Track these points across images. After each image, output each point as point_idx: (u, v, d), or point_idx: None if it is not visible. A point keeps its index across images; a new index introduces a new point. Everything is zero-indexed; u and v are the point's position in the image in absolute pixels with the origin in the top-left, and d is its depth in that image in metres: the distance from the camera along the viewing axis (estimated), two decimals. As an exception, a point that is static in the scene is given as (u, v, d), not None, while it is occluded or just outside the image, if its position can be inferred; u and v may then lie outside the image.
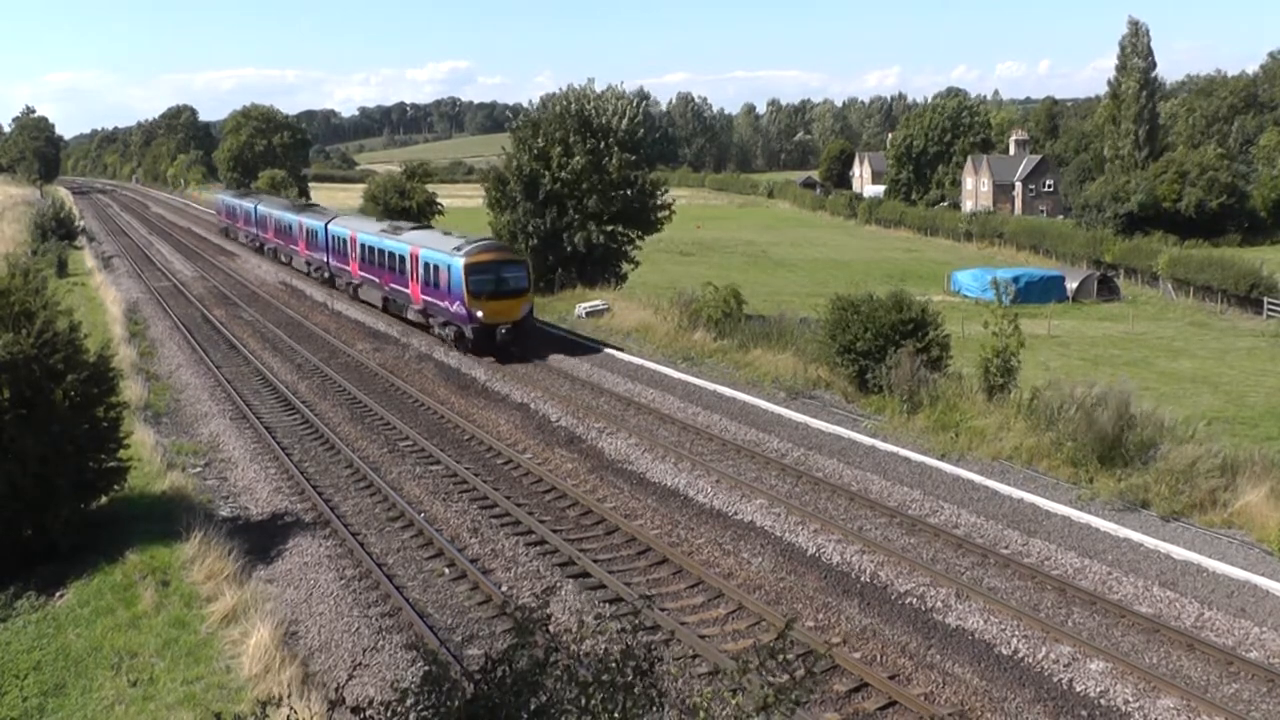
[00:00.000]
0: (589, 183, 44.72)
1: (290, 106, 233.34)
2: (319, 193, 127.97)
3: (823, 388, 32.00)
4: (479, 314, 35.78)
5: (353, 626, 17.34)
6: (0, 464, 19.34)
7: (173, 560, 19.58)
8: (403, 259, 41.46)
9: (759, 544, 20.71)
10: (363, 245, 46.58)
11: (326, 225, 52.73)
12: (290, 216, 61.47)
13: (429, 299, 39.16)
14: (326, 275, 54.12)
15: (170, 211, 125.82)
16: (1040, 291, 65.48)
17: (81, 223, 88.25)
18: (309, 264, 57.81)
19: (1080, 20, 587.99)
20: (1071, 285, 67.74)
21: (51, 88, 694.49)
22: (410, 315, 41.93)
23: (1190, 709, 14.54)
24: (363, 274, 47.17)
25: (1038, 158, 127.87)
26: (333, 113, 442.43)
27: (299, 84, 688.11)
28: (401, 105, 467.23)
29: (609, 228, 46.54)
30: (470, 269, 35.94)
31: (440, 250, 38.28)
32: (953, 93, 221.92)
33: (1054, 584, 18.53)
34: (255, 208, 72.39)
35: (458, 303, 36.37)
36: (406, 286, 41.35)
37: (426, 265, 38.85)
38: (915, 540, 20.68)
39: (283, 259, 64.64)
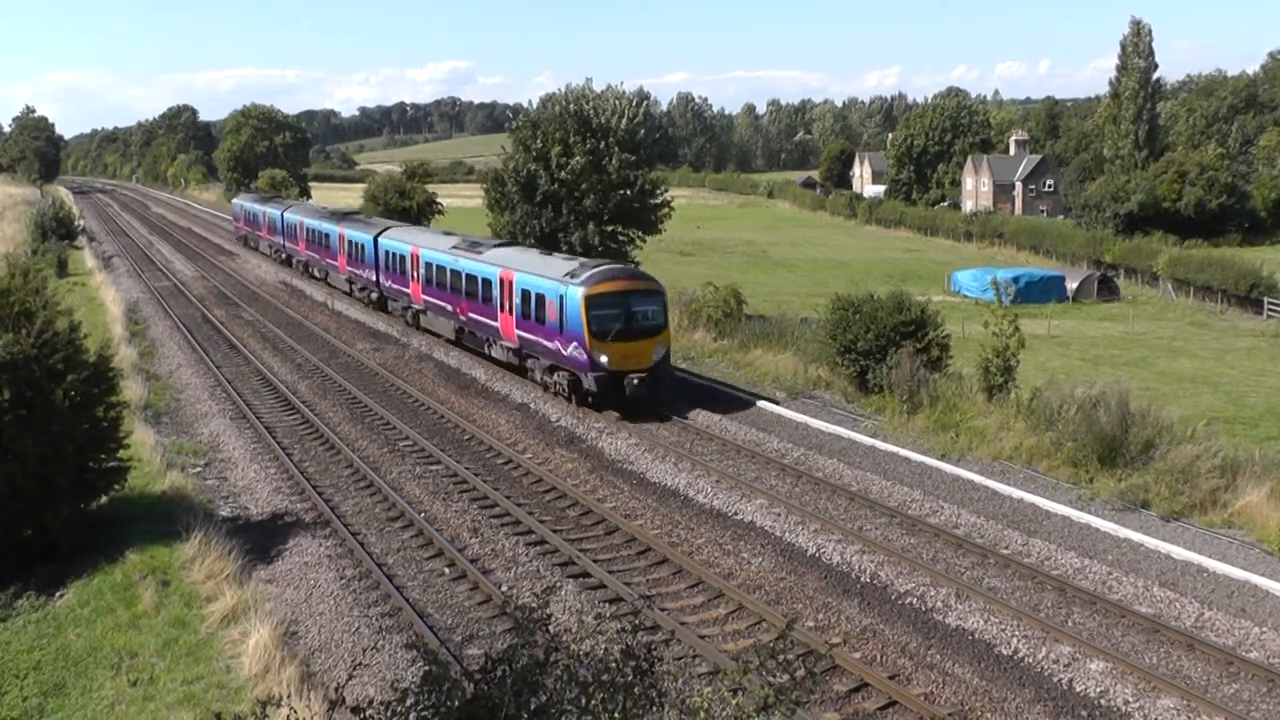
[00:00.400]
0: (588, 183, 44.69)
1: (290, 106, 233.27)
2: (319, 192, 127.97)
3: (823, 388, 32.01)
4: (603, 359, 28.46)
5: (353, 626, 17.35)
6: (0, 464, 19.35)
7: (173, 560, 19.59)
8: (488, 284, 33.97)
9: (759, 544, 20.71)
10: (428, 264, 39.34)
11: (377, 238, 45.48)
12: (328, 226, 53.70)
13: (528, 336, 31.64)
14: (375, 297, 46.75)
15: (171, 211, 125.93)
16: (1040, 291, 65.43)
17: (81, 222, 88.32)
18: (351, 283, 50.28)
19: (1080, 20, 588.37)
20: (1071, 285, 67.70)
21: (51, 88, 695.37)
22: (496, 354, 34.43)
23: (1190, 709, 14.54)
24: (429, 299, 39.70)
25: (1038, 158, 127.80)
26: (333, 113, 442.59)
27: (299, 84, 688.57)
28: (401, 105, 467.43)
29: (609, 228, 46.52)
30: (593, 301, 28.62)
31: (546, 276, 30.82)
32: (953, 93, 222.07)
33: (1054, 584, 18.53)
34: (282, 215, 63.87)
35: (574, 344, 28.95)
36: (494, 319, 33.83)
37: (525, 294, 31.38)
38: (915, 540, 20.69)
39: (316, 274, 57.23)
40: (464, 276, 35.98)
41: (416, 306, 41.18)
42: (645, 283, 30.61)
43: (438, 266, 38.51)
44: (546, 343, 30.44)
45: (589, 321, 28.53)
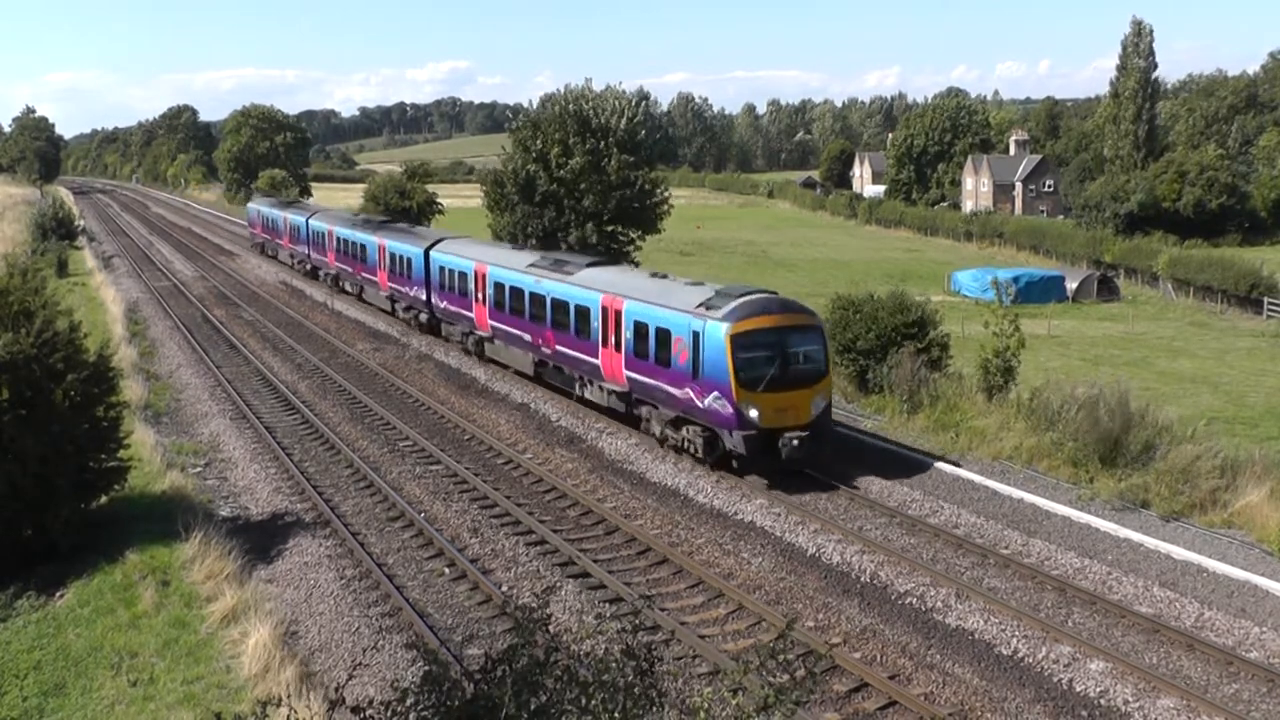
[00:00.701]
0: (587, 182, 44.72)
1: (290, 106, 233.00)
2: (319, 192, 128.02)
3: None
4: (753, 414, 22.97)
5: (353, 626, 17.36)
6: (0, 464, 19.36)
7: (173, 560, 19.59)
8: (585, 312, 28.41)
9: (759, 544, 20.72)
10: (499, 285, 33.57)
11: (428, 251, 39.79)
12: (364, 236, 47.88)
13: (644, 380, 26.01)
14: (425, 319, 41.08)
15: (170, 212, 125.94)
16: (1040, 291, 65.45)
17: (81, 222, 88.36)
18: (394, 301, 44.64)
19: (1080, 20, 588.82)
20: (1071, 285, 67.73)
21: (51, 88, 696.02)
22: (593, 396, 28.98)
23: (1190, 709, 14.54)
24: (498, 326, 33.90)
25: (1038, 158, 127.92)
26: (333, 113, 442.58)
27: (299, 84, 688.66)
28: (401, 105, 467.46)
29: (609, 228, 46.58)
30: (741, 340, 23.14)
31: (670, 306, 25.25)
32: (953, 93, 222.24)
33: (1054, 584, 18.53)
34: (307, 222, 58.05)
35: (714, 394, 23.40)
36: (592, 354, 28.19)
37: (640, 327, 25.98)
38: (915, 540, 20.69)
39: (348, 289, 51.77)
40: (549, 301, 30.20)
41: (481, 333, 35.50)
42: (803, 316, 24.68)
43: (512, 288, 32.67)
44: (672, 390, 24.88)
45: (736, 366, 22.98)
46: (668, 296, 25.87)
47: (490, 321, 34.52)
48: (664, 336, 25.08)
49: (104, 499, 21.90)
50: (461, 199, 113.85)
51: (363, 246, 47.95)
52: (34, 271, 24.47)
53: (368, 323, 45.51)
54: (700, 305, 24.42)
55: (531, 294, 31.37)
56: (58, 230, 75.71)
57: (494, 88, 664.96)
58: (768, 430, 23.09)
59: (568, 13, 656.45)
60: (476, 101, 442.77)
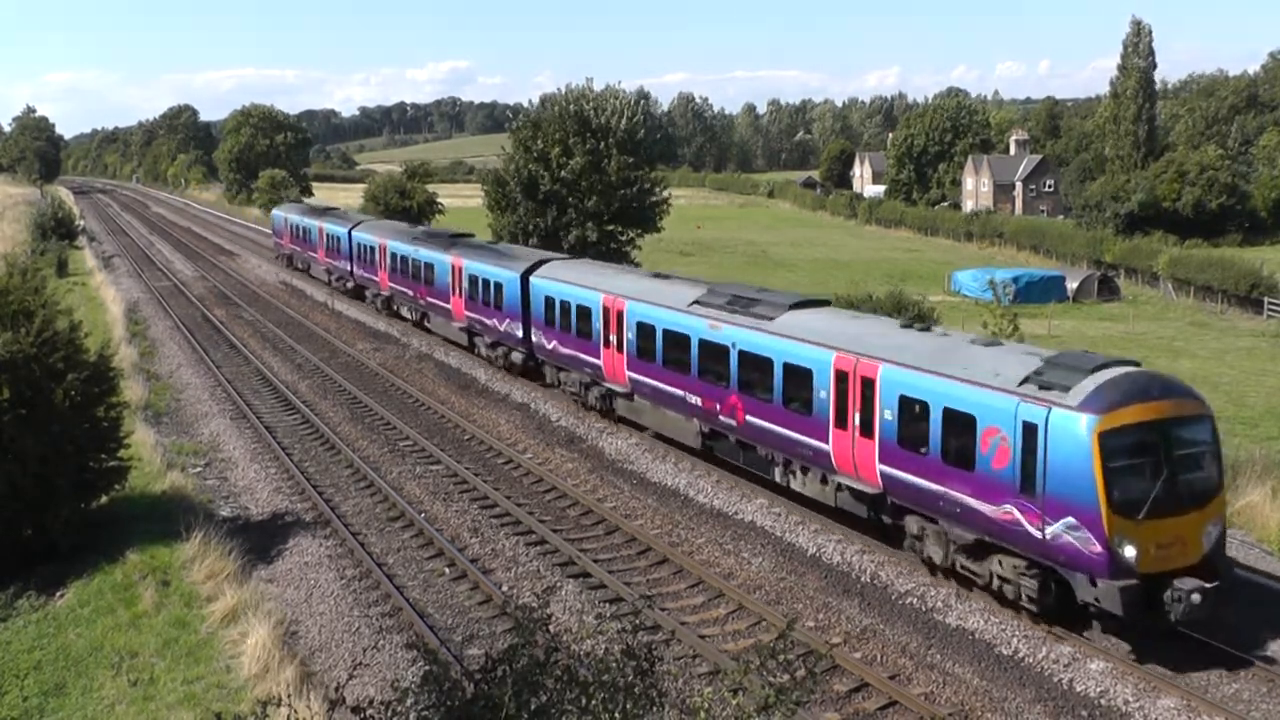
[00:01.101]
0: (588, 181, 44.78)
1: (290, 106, 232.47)
2: (320, 192, 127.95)
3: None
4: (1128, 552, 15.43)
5: (353, 626, 17.36)
6: (0, 464, 19.36)
7: (173, 560, 19.60)
8: (803, 376, 20.92)
9: (759, 544, 20.72)
10: (643, 325, 26.35)
11: (527, 276, 32.48)
12: (431, 254, 39.94)
13: (913, 480, 18.45)
14: (520, 359, 33.55)
15: (170, 211, 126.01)
16: (1040, 291, 65.48)
17: (82, 222, 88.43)
18: (472, 333, 37.05)
19: (1080, 20, 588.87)
20: (1072, 285, 67.75)
21: (51, 88, 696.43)
22: (809, 489, 21.58)
23: (1190, 709, 14.54)
24: (644, 379, 26.46)
25: (1038, 158, 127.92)
26: (333, 113, 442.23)
27: (299, 84, 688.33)
28: (402, 105, 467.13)
29: (609, 227, 46.67)
30: (1114, 442, 15.66)
31: (973, 380, 17.46)
32: (953, 93, 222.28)
33: (1054, 584, 18.43)
34: (349, 233, 50.18)
35: (1065, 520, 15.81)
36: (816, 435, 20.63)
37: (911, 406, 18.45)
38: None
39: (407, 315, 43.88)
40: (735, 355, 22.93)
41: (614, 387, 28.04)
42: (1190, 402, 16.72)
43: (668, 332, 25.34)
44: (975, 504, 17.19)
45: (1107, 480, 15.50)
46: (956, 362, 18.05)
47: (629, 373, 27.09)
48: (959, 422, 17.48)
49: (104, 499, 21.92)
50: (461, 199, 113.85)
51: (429, 266, 40.06)
52: (34, 271, 24.49)
53: (368, 323, 45.51)
54: (1028, 381, 16.71)
55: (704, 343, 24.07)
56: (58, 230, 75.77)
57: (494, 88, 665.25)
58: (1153, 576, 15.57)
59: (568, 13, 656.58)
60: (476, 101, 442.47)
